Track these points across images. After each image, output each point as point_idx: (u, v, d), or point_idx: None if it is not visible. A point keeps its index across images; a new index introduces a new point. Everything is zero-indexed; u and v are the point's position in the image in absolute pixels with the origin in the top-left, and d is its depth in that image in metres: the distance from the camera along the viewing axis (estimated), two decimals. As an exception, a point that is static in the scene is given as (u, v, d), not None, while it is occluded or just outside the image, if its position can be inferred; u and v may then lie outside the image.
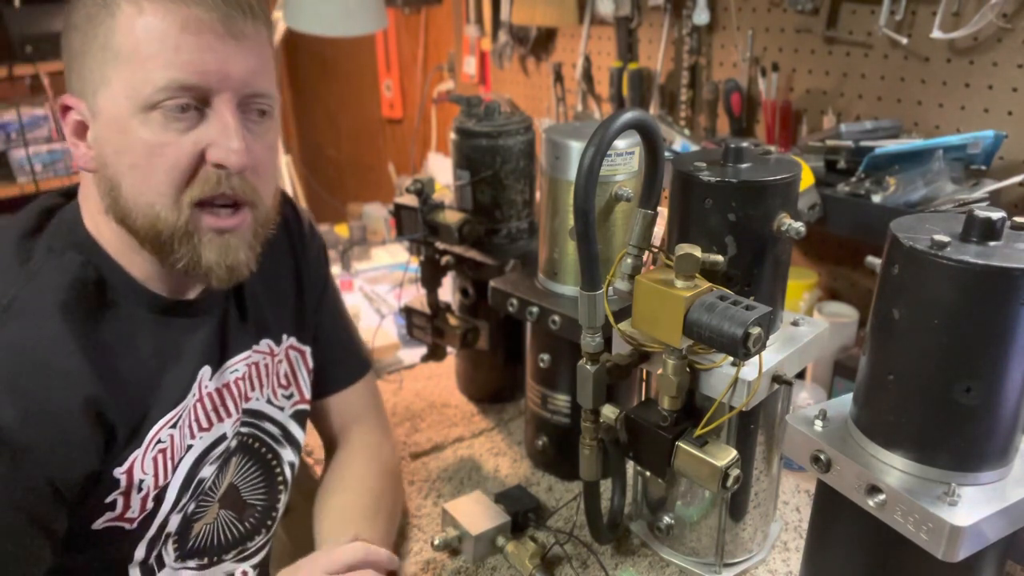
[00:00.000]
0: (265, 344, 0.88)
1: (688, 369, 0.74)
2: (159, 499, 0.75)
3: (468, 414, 1.23)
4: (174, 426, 0.76)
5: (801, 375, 1.11)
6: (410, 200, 1.11)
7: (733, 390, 0.72)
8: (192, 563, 0.84)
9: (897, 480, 0.62)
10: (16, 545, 0.63)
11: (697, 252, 0.68)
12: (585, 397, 0.79)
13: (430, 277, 1.17)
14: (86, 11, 0.67)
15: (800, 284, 1.26)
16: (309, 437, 1.03)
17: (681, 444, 0.74)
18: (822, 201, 1.09)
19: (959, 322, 0.58)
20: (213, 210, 0.70)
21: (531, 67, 1.91)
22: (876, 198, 1.04)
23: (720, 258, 0.73)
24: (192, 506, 0.80)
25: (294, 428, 0.92)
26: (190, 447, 0.78)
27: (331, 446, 1.00)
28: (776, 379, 0.76)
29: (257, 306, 0.87)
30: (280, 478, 0.92)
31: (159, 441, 0.74)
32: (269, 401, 0.89)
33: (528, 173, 1.14)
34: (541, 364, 1.01)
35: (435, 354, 1.22)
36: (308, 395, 0.94)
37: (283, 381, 0.91)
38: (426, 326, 1.18)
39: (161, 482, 0.75)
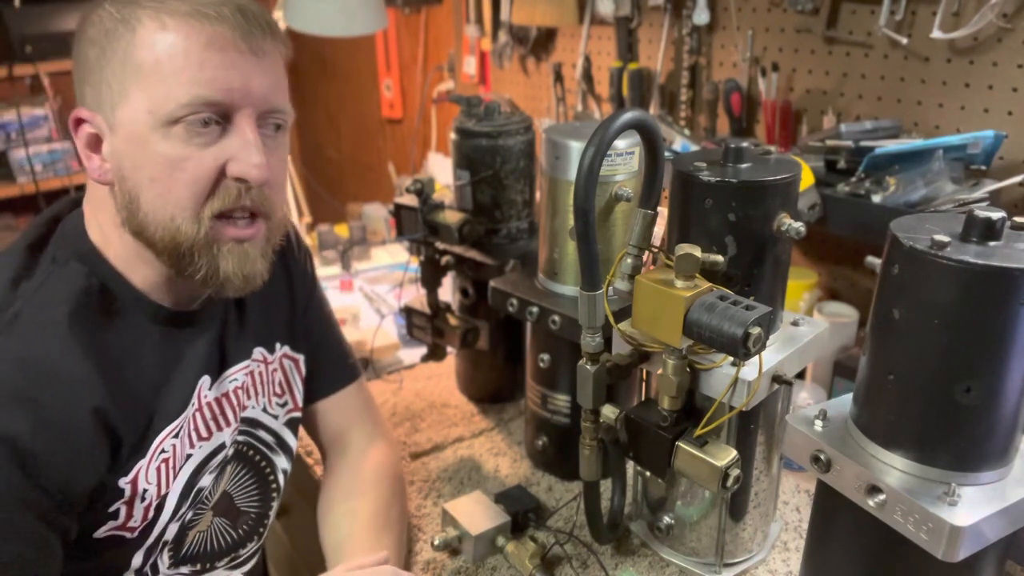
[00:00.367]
0: (259, 352, 0.88)
1: (688, 369, 0.74)
2: (160, 508, 0.75)
3: (468, 414, 1.23)
4: (176, 436, 0.76)
5: (801, 375, 1.11)
6: (410, 200, 1.11)
7: (733, 390, 0.72)
8: (185, 569, 0.84)
9: (897, 480, 0.62)
10: (36, 550, 0.63)
11: (697, 252, 0.68)
12: (585, 397, 0.79)
13: (430, 277, 1.17)
14: (104, 26, 0.66)
15: (800, 284, 1.26)
16: (309, 437, 1.03)
17: (681, 444, 0.74)
18: (822, 201, 1.09)
19: (959, 322, 0.58)
20: (232, 221, 0.71)
21: (531, 67, 1.91)
22: (876, 198, 1.04)
23: (720, 258, 0.73)
24: (190, 514, 0.80)
25: (287, 436, 0.93)
26: (189, 456, 0.78)
27: (325, 452, 1.00)
28: (776, 379, 0.76)
29: (254, 315, 0.87)
30: (273, 485, 0.92)
31: (162, 451, 0.74)
32: (264, 409, 0.89)
33: (528, 173, 1.14)
34: (541, 364, 1.01)
35: (435, 354, 1.22)
36: (300, 403, 0.94)
37: (278, 389, 0.91)
38: (426, 326, 1.19)
39: (163, 491, 0.75)
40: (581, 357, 0.78)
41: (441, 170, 2.23)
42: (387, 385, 1.32)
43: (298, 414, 0.94)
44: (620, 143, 0.88)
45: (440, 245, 1.14)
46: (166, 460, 0.75)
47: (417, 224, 1.11)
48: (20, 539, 0.62)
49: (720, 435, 0.80)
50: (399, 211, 1.13)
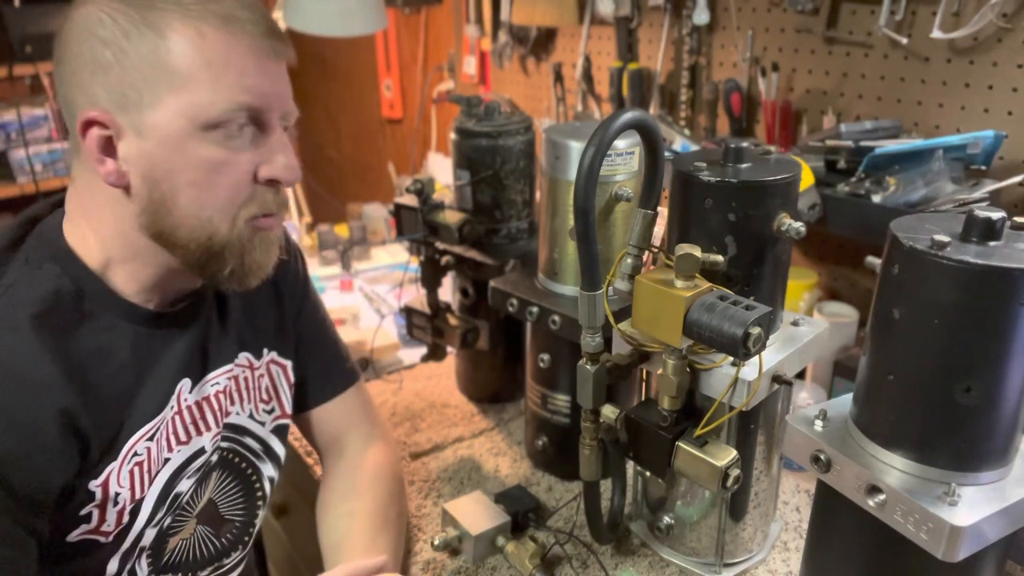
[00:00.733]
0: (244, 358, 0.87)
1: (688, 369, 0.74)
2: (135, 512, 0.75)
3: (468, 414, 1.23)
4: (151, 439, 0.75)
5: (801, 375, 1.11)
6: (410, 200, 1.11)
7: (733, 390, 0.72)
8: None
9: (897, 480, 0.62)
10: (15, 551, 0.63)
11: (697, 252, 0.68)
12: (585, 397, 0.79)
13: (430, 277, 1.17)
14: (119, 27, 0.65)
15: (800, 284, 1.26)
16: (307, 441, 1.03)
17: (681, 444, 0.74)
18: (822, 201, 1.09)
19: (959, 322, 0.58)
20: (259, 220, 0.74)
21: (531, 67, 1.91)
22: (876, 198, 1.04)
23: (720, 258, 0.73)
24: (168, 520, 0.80)
25: (275, 443, 0.92)
26: (167, 460, 0.77)
27: (323, 456, 0.99)
28: (776, 379, 0.76)
29: (238, 319, 0.86)
30: (259, 493, 0.91)
31: (135, 454, 0.74)
32: (251, 416, 0.88)
33: (528, 173, 1.14)
34: (541, 364, 1.01)
35: (435, 354, 1.22)
36: (289, 410, 0.93)
37: (264, 396, 0.90)
38: (426, 326, 1.19)
39: (137, 495, 0.74)
40: (581, 357, 0.78)
41: (441, 170, 2.23)
42: (387, 385, 1.32)
43: (286, 421, 0.93)
44: (620, 143, 0.88)
45: (440, 245, 1.14)
46: (140, 463, 0.74)
47: (417, 224, 1.11)
48: None
49: (720, 435, 0.80)
50: (399, 211, 1.13)
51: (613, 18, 1.55)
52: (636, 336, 0.78)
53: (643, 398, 0.91)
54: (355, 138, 3.21)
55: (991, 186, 1.00)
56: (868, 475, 0.63)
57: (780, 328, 0.82)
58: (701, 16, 1.39)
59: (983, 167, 1.03)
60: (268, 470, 0.91)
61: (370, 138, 3.07)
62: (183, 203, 0.69)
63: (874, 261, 0.65)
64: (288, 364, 0.93)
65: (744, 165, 0.75)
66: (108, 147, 0.68)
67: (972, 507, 0.60)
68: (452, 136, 1.12)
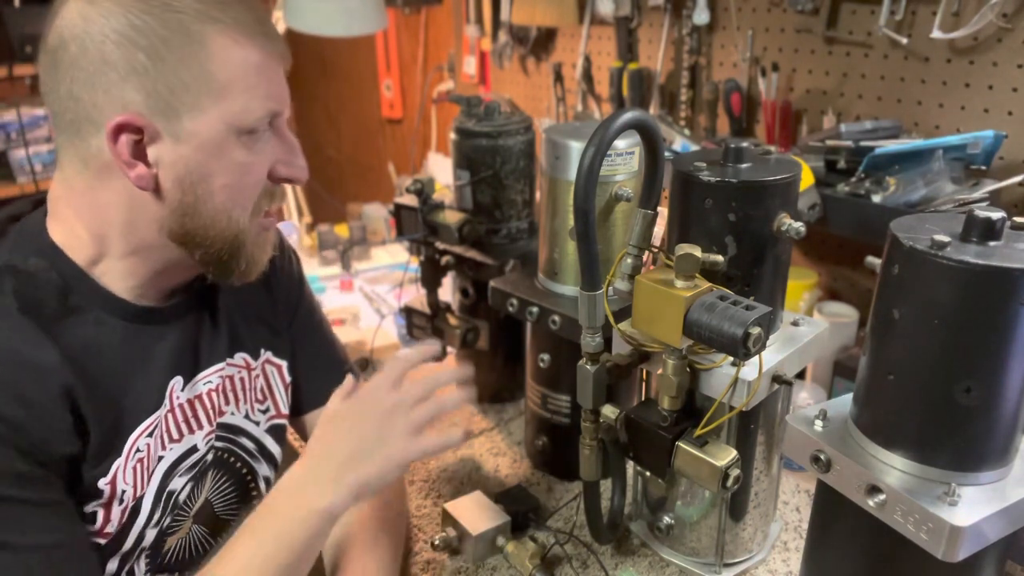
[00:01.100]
0: (240, 358, 0.87)
1: (688, 369, 0.74)
2: (135, 511, 0.75)
3: (468, 414, 1.23)
4: (151, 435, 0.76)
5: (801, 375, 1.11)
6: (410, 200, 1.11)
7: (733, 390, 0.72)
8: None
9: (897, 480, 0.62)
10: (39, 491, 0.65)
11: (697, 252, 0.68)
12: (585, 397, 0.79)
13: (430, 277, 1.17)
14: (156, 34, 0.65)
15: (800, 284, 1.26)
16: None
17: (681, 444, 0.74)
18: (822, 201, 1.09)
19: (959, 322, 0.58)
20: (265, 217, 0.78)
21: (531, 67, 1.91)
22: (876, 198, 1.05)
23: (720, 258, 0.73)
24: (168, 520, 0.80)
25: (270, 443, 0.92)
26: (161, 458, 0.78)
27: None
28: (776, 379, 0.76)
29: (230, 318, 0.86)
30: (255, 493, 0.91)
31: (137, 450, 0.74)
32: (246, 416, 0.88)
33: (528, 173, 1.14)
34: (541, 364, 1.01)
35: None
36: (285, 409, 0.93)
37: (259, 396, 0.90)
38: (426, 326, 1.19)
39: (138, 493, 0.75)
40: (581, 357, 0.78)
41: (441, 170, 2.23)
42: (387, 385, 1.32)
43: (282, 421, 0.93)
44: (620, 143, 0.88)
45: (440, 245, 1.14)
46: (141, 460, 0.75)
47: (417, 224, 1.11)
48: (51, 518, 0.64)
49: (720, 435, 0.80)
50: (399, 211, 1.13)
51: (613, 18, 1.55)
52: (636, 336, 0.78)
53: (643, 398, 0.91)
54: (355, 138, 3.21)
55: (991, 186, 1.00)
56: (868, 475, 0.63)
57: (780, 328, 0.82)
58: (701, 16, 1.39)
59: (983, 167, 1.03)
60: (264, 470, 0.91)
61: (370, 138, 3.07)
62: (214, 204, 0.71)
63: (874, 261, 0.65)
64: (283, 364, 0.93)
65: (744, 165, 0.75)
66: (137, 151, 0.68)
67: (972, 507, 0.60)
68: (452, 136, 1.12)
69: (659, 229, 0.82)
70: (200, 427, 0.82)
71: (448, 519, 0.92)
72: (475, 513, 0.91)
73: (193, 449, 0.81)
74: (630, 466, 0.94)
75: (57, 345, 0.68)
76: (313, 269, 1.92)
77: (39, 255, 0.71)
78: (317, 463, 0.73)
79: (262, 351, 0.90)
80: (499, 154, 1.09)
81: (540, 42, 1.84)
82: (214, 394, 0.83)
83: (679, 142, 1.34)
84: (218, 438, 0.85)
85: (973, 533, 0.59)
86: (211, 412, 0.83)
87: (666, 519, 0.88)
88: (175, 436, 0.79)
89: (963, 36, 1.06)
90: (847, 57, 1.23)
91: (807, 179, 1.09)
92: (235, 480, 0.89)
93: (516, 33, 1.85)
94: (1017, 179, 1.00)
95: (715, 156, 0.77)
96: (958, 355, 0.59)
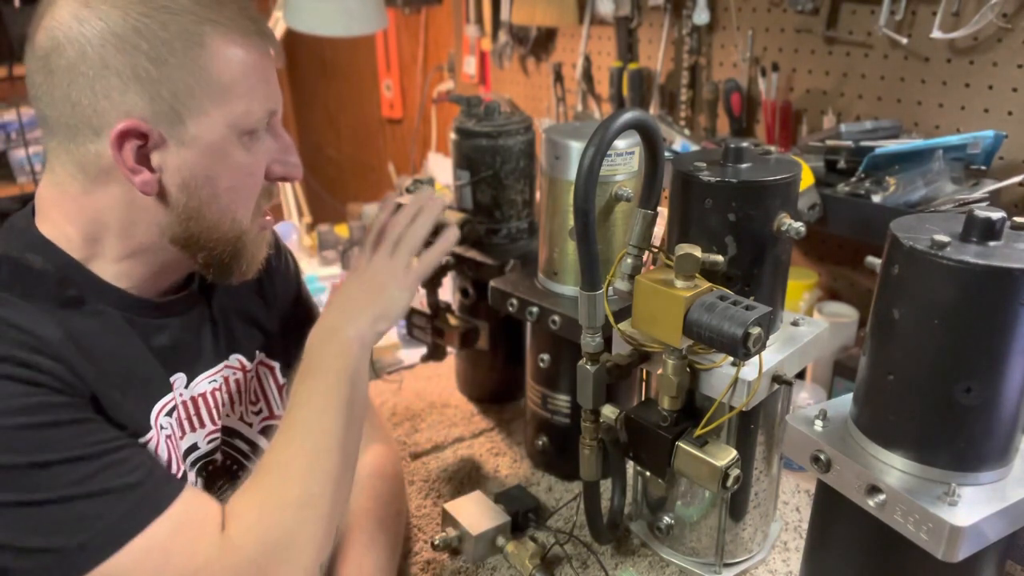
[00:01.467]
0: (236, 360, 0.87)
1: (688, 369, 0.74)
2: None
3: (468, 414, 1.23)
4: (169, 415, 0.75)
5: (801, 375, 1.11)
6: (410, 200, 1.11)
7: (733, 390, 0.72)
8: None
9: (897, 480, 0.62)
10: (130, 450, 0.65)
11: (697, 252, 0.68)
12: (585, 397, 0.79)
13: (430, 277, 1.17)
14: (158, 38, 0.65)
15: (800, 284, 1.26)
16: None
17: (681, 444, 0.74)
18: (822, 201, 1.09)
19: (959, 322, 0.58)
20: (263, 216, 0.79)
21: (531, 67, 1.91)
22: (876, 198, 1.05)
23: (720, 258, 0.73)
24: None
25: (263, 444, 0.91)
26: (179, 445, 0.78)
27: None
28: (776, 379, 0.76)
29: (226, 319, 0.86)
30: None
31: (163, 427, 0.74)
32: (241, 418, 0.88)
33: (528, 173, 1.14)
34: (541, 364, 1.01)
35: (435, 354, 1.22)
36: (277, 411, 0.92)
37: (253, 397, 0.90)
38: (426, 326, 1.18)
39: (173, 470, 0.75)
40: (581, 357, 0.78)
41: (441, 170, 2.23)
42: (387, 385, 1.32)
43: (274, 422, 0.92)
44: (620, 143, 0.88)
45: (440, 245, 1.14)
46: (169, 437, 0.74)
47: (417, 224, 1.10)
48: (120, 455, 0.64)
49: (720, 435, 0.80)
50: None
51: (613, 18, 1.55)
52: (636, 336, 0.78)
53: (643, 398, 0.91)
54: (355, 138, 3.21)
55: (991, 186, 1.00)
56: (868, 475, 0.63)
57: (780, 328, 0.82)
58: (701, 16, 1.39)
59: (983, 167, 1.03)
60: None
61: (370, 138, 3.07)
62: (218, 207, 0.71)
63: (874, 261, 0.65)
64: (276, 365, 0.92)
65: (744, 165, 0.75)
66: (141, 156, 0.67)
67: (972, 507, 0.60)
68: (452, 136, 1.12)
69: (659, 229, 0.82)
70: (203, 425, 0.82)
71: (448, 519, 0.92)
72: (475, 513, 0.91)
73: (194, 447, 0.81)
74: (630, 466, 0.94)
75: (61, 327, 0.66)
76: (313, 269, 1.92)
77: (32, 249, 0.70)
78: (334, 312, 0.80)
79: (257, 353, 0.90)
80: (499, 154, 1.09)
81: (540, 42, 1.84)
82: (218, 393, 0.84)
83: (679, 142, 1.34)
84: (217, 440, 0.85)
85: (973, 533, 0.59)
86: (213, 412, 0.83)
87: (666, 519, 0.88)
88: (178, 434, 0.79)
89: (963, 36, 1.06)
90: (847, 57, 1.23)
91: (807, 179, 1.09)
92: (231, 481, 0.89)
93: (516, 33, 1.85)
94: (1017, 179, 1.00)
95: (715, 156, 0.77)
96: (958, 355, 0.59)
